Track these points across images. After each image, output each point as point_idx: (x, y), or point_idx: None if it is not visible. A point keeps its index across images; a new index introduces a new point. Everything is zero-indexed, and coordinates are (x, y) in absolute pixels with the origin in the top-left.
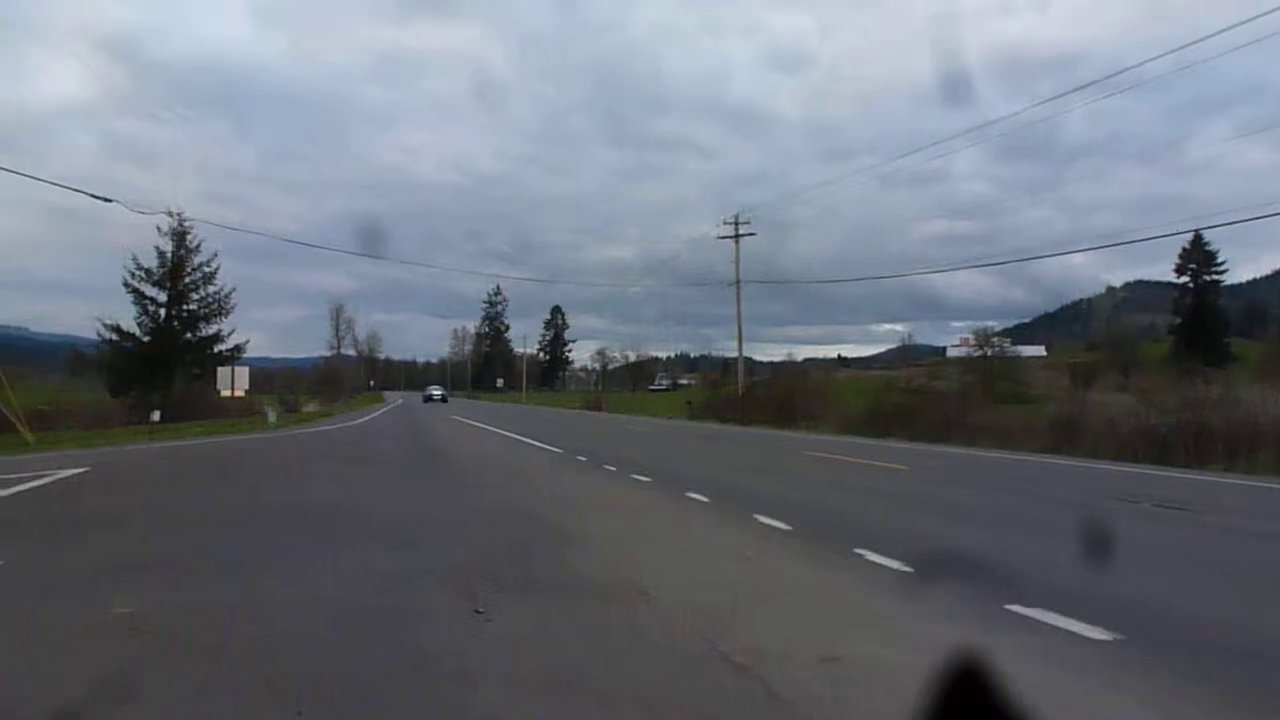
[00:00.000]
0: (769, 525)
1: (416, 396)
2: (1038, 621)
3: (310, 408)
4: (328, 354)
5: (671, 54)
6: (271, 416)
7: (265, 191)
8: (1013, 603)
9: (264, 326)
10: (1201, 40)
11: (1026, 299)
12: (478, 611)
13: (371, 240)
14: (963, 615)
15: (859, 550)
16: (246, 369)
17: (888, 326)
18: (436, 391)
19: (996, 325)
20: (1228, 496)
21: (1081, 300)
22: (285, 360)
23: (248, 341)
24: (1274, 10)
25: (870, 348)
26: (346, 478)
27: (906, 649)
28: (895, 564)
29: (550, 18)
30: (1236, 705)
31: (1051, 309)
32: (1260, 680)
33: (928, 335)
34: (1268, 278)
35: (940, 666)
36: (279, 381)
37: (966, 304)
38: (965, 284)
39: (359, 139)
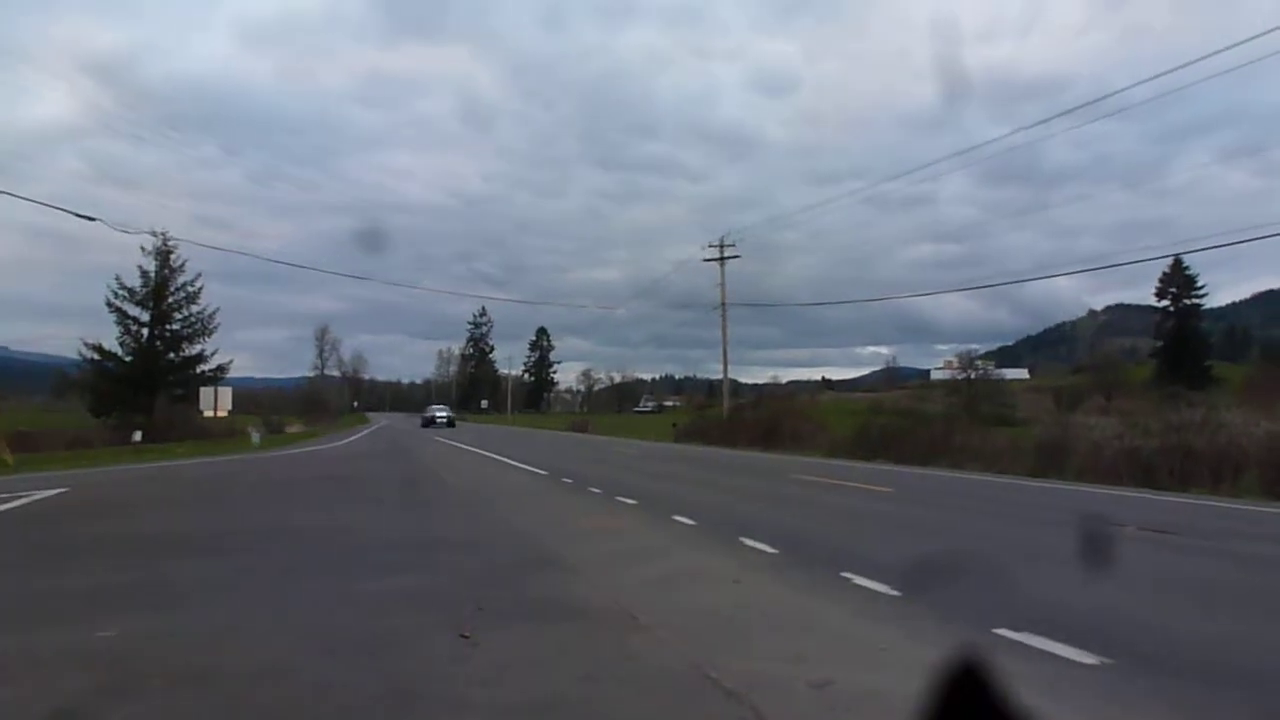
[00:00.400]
0: (756, 549)
1: (401, 418)
2: (1026, 646)
3: (294, 429)
4: (312, 375)
5: (659, 78)
6: (255, 437)
7: (252, 213)
8: (1001, 627)
9: (248, 347)
10: (1183, 66)
11: (1010, 321)
12: (464, 636)
13: (372, 243)
14: (951, 639)
15: (846, 574)
16: (229, 390)
17: (872, 349)
18: (441, 413)
19: (980, 348)
20: (1211, 519)
21: (1064, 323)
22: (269, 381)
23: (231, 362)
24: (1251, 38)
25: (854, 370)
26: (330, 501)
27: (896, 673)
28: (883, 587)
29: (538, 41)
30: None
31: (1034, 332)
32: (1251, 703)
33: (912, 358)
34: (1248, 301)
35: (940, 667)
36: (263, 402)
37: (951, 327)
38: (950, 306)
39: (346, 161)
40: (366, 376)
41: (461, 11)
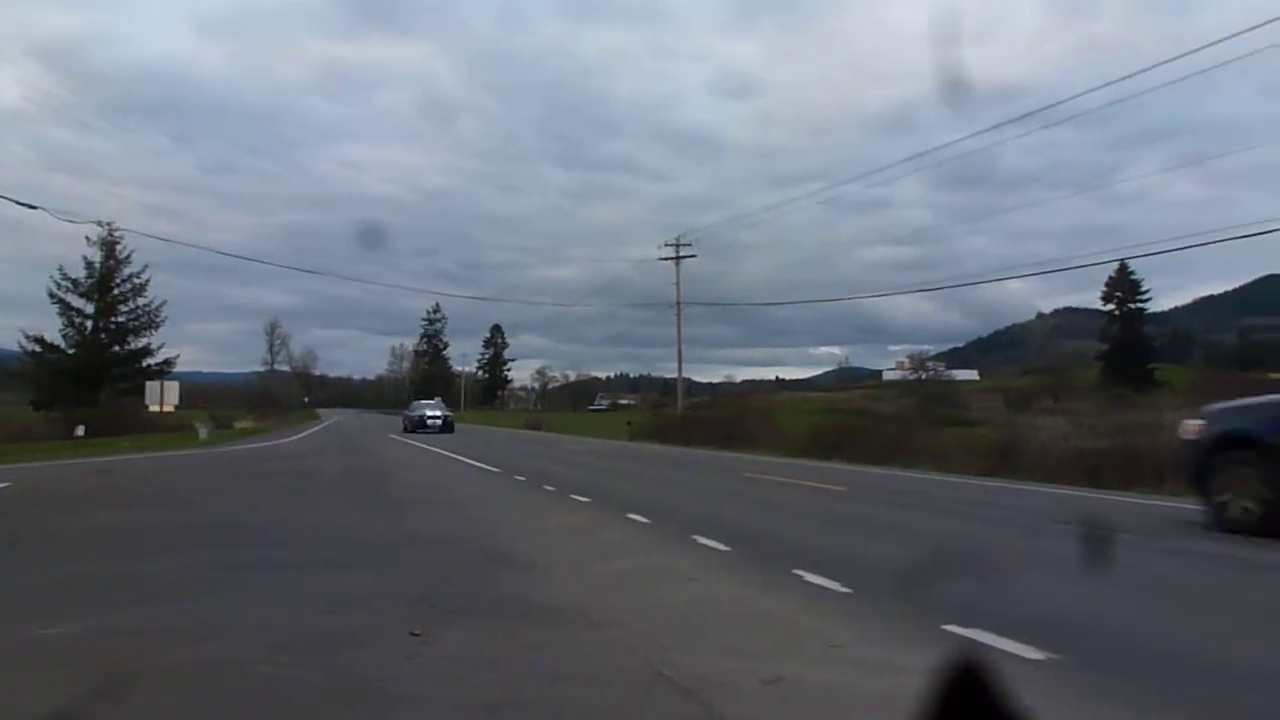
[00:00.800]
0: (710, 547)
1: (353, 414)
2: (975, 642)
3: (243, 424)
4: (262, 370)
5: (621, 77)
6: (202, 433)
7: (203, 204)
8: (951, 623)
9: (197, 341)
10: (1132, 75)
11: (962, 323)
12: (414, 634)
13: (372, 240)
14: (901, 636)
15: (798, 571)
16: (176, 384)
17: (826, 349)
18: (434, 412)
19: (932, 349)
20: (1153, 517)
21: (1014, 325)
22: (219, 376)
23: (178, 356)
24: (1195, 50)
25: (808, 370)
26: (280, 498)
27: (848, 669)
28: (835, 585)
29: (501, 38)
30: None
31: (985, 334)
32: (1192, 696)
33: (865, 358)
34: (1190, 305)
35: (940, 667)
36: (212, 397)
37: (904, 328)
38: (903, 308)
39: (303, 152)
40: (318, 372)
41: (424, 5)
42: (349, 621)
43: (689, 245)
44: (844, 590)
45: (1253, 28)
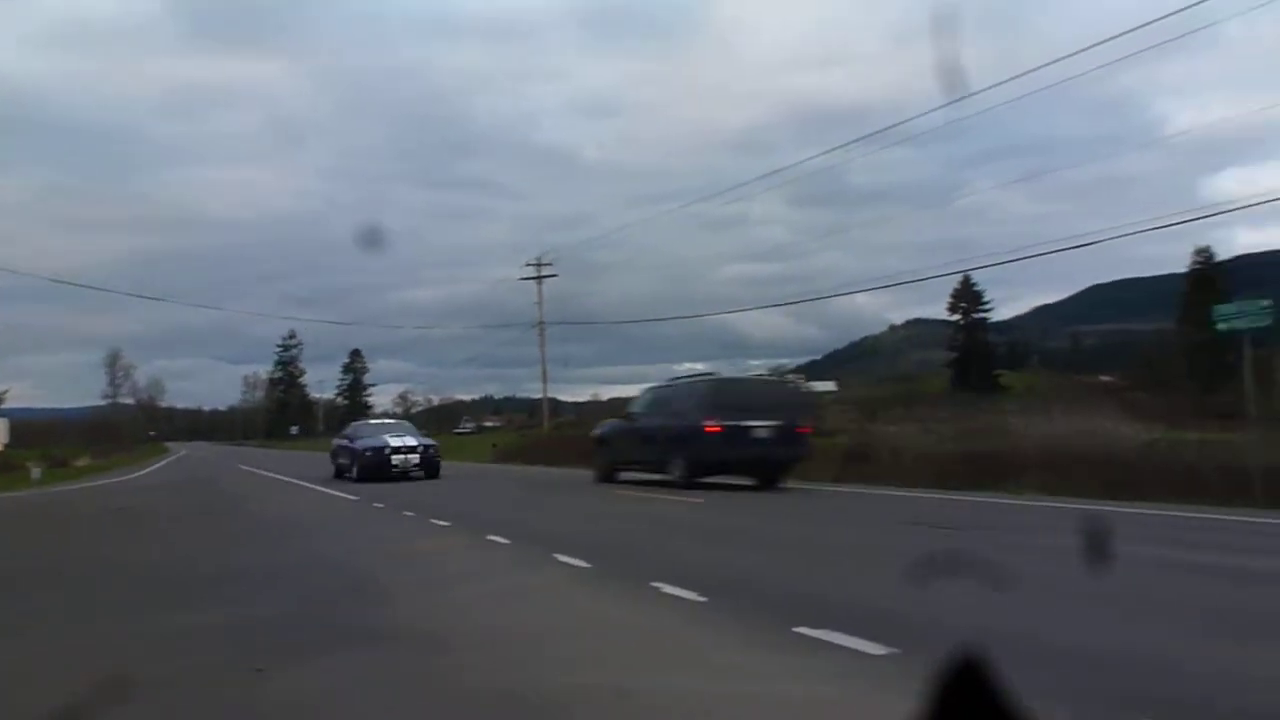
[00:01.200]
0: (570, 564)
1: (206, 446)
2: (823, 642)
3: (82, 462)
4: (103, 403)
5: (479, 98)
6: (35, 473)
7: (33, 228)
8: (802, 625)
9: (29, 375)
10: (971, 96)
11: (819, 336)
12: (258, 670)
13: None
14: (753, 640)
15: (656, 583)
16: (5, 421)
17: (688, 366)
18: (404, 441)
19: (791, 362)
20: (994, 515)
21: (868, 337)
22: (54, 411)
23: (7, 391)
24: (1031, 71)
25: None
26: (119, 534)
27: (700, 676)
28: (692, 595)
29: (355, 58)
30: None
31: (841, 346)
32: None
33: (729, 373)
34: (1028, 314)
35: (939, 667)
36: (47, 433)
37: (764, 342)
38: (763, 323)
39: (143, 176)
40: (165, 404)
41: (274, 24)
42: (190, 659)
43: (549, 265)
44: (700, 599)
45: (1077, 52)
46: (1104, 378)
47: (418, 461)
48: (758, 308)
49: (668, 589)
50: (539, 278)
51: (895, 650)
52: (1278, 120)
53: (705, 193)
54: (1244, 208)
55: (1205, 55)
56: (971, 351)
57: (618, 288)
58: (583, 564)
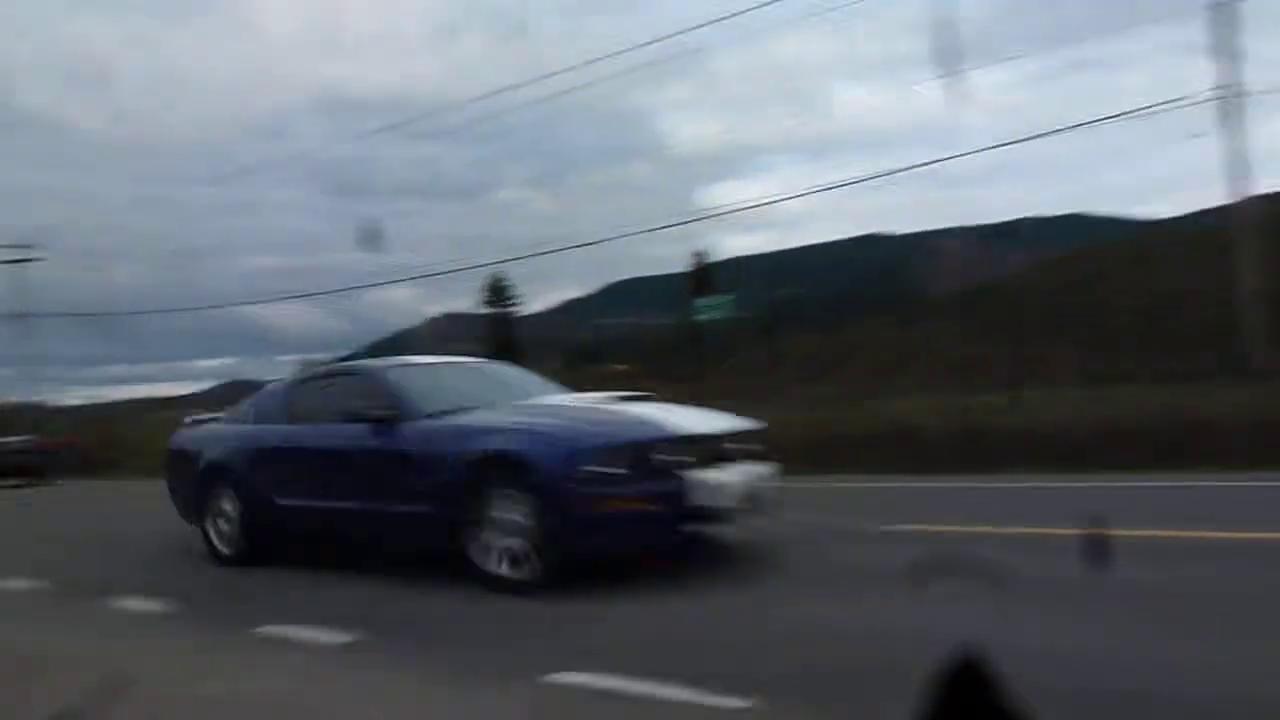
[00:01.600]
0: (10, 589)
1: None
2: (287, 638)
3: None
4: None
5: None
6: None
7: None
8: (265, 625)
9: None
10: (498, 93)
11: (354, 330)
12: None
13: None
14: (216, 643)
15: (117, 599)
16: None
17: (214, 362)
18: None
19: (323, 356)
20: None
21: (406, 330)
22: None
23: None
24: (548, 75)
25: (191, 385)
26: None
27: (160, 679)
28: (158, 606)
29: None
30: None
31: (377, 339)
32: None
33: (257, 369)
34: (558, 308)
35: (939, 667)
36: None
37: (294, 337)
38: (292, 317)
39: None
40: None
41: None
42: None
43: (29, 247)
44: (166, 610)
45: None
46: (618, 366)
47: None
48: (280, 299)
49: (132, 603)
50: (18, 260)
51: (359, 638)
52: (760, 141)
53: (223, 177)
54: (733, 211)
55: (700, 81)
56: (504, 344)
57: (126, 278)
58: (35, 584)
